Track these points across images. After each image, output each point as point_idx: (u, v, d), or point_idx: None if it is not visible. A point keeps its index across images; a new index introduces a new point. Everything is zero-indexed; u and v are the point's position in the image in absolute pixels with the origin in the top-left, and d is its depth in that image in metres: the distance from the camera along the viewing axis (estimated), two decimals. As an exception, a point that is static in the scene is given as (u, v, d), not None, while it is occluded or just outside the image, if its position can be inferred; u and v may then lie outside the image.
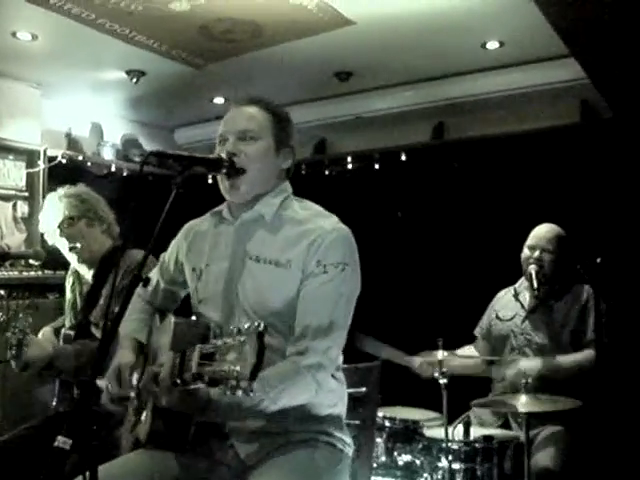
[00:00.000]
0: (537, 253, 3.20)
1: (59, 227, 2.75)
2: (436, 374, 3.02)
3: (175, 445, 1.76)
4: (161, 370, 1.61)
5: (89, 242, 2.76)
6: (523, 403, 2.69)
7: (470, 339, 3.50)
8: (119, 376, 1.82)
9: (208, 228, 2.00)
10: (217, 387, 1.34)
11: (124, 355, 1.89)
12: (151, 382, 1.63)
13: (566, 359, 3.05)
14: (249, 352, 1.27)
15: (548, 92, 4.24)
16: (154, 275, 2.12)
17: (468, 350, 3.42)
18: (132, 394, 1.87)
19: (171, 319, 1.79)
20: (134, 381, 1.86)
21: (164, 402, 1.60)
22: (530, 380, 2.76)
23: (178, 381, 1.50)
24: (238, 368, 1.27)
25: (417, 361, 3.27)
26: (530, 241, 3.27)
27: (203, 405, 1.60)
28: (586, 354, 3.04)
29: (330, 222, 1.85)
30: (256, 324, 1.29)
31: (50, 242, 2.84)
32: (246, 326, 1.30)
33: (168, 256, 2.10)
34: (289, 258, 1.79)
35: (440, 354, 3.01)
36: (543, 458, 2.80)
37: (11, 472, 2.44)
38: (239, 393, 1.27)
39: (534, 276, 3.16)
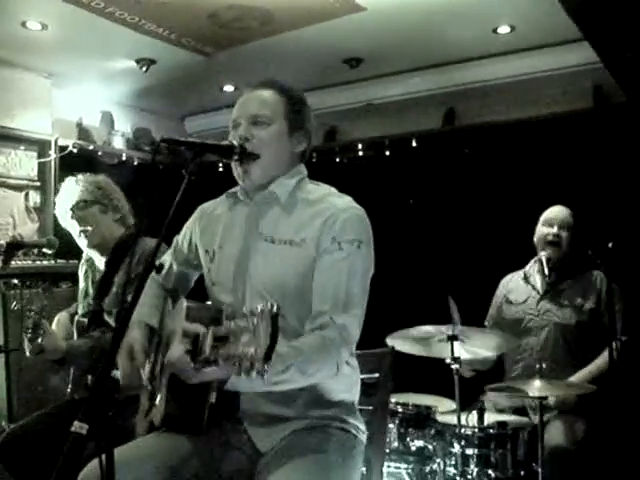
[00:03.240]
0: (555, 229, 3.20)
1: (71, 209, 2.76)
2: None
3: (190, 428, 1.77)
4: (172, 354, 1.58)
5: (100, 228, 2.77)
6: (537, 388, 2.68)
7: (481, 325, 3.49)
8: (130, 352, 1.81)
9: (222, 210, 2.00)
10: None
11: (132, 334, 1.86)
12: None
13: (580, 377, 3.03)
14: (262, 334, 1.27)
15: (560, 77, 4.20)
16: (167, 257, 2.12)
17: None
18: (145, 380, 1.88)
19: (183, 303, 1.79)
20: (147, 366, 1.87)
21: (194, 380, 1.56)
22: (545, 366, 2.76)
23: (192, 365, 1.50)
24: (252, 350, 1.27)
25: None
26: (546, 219, 3.27)
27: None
28: (598, 364, 3.04)
29: (344, 201, 1.85)
30: (269, 305, 1.28)
31: (62, 224, 2.85)
32: (259, 308, 1.30)
33: (182, 238, 2.10)
34: (303, 237, 1.79)
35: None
36: (555, 437, 2.80)
37: (27, 457, 2.46)
38: (253, 375, 1.27)
39: (544, 261, 3.17)
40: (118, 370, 1.82)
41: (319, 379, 1.75)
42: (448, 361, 2.97)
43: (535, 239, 3.30)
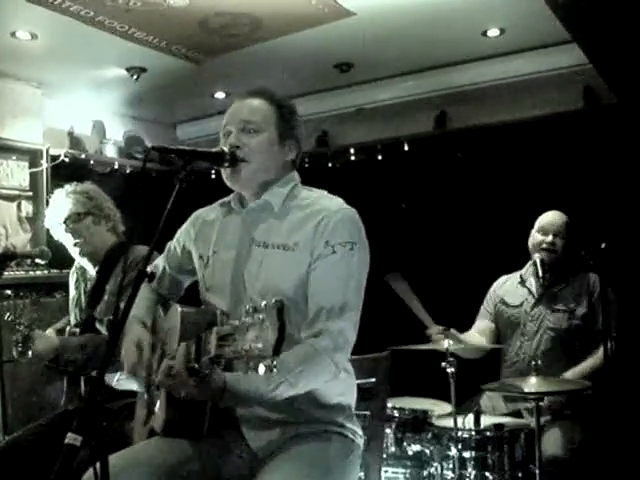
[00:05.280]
0: (550, 237, 3.20)
1: (65, 222, 2.76)
2: (445, 344, 2.97)
3: (191, 434, 1.77)
4: (175, 362, 1.58)
5: (94, 238, 2.77)
6: (533, 385, 2.68)
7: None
8: (139, 344, 1.81)
9: (216, 217, 2.01)
10: (237, 368, 1.34)
11: (139, 331, 1.86)
12: (166, 376, 1.61)
13: (574, 373, 3.03)
14: (270, 328, 1.26)
15: (550, 79, 4.21)
16: (160, 262, 2.12)
17: (471, 337, 3.41)
18: (141, 389, 1.87)
19: (177, 308, 1.79)
20: (143, 373, 1.85)
21: (183, 394, 1.58)
22: (540, 362, 2.76)
23: (195, 366, 1.50)
24: (260, 345, 1.26)
25: (433, 329, 3.18)
26: (541, 226, 3.26)
27: (220, 392, 1.58)
28: (592, 361, 3.04)
29: (335, 203, 1.86)
30: (273, 301, 1.29)
31: (55, 237, 2.84)
32: (263, 304, 1.29)
33: (174, 244, 2.10)
34: (296, 241, 1.79)
35: (447, 343, 3.00)
36: (552, 446, 2.80)
37: (21, 469, 2.45)
38: (261, 370, 1.26)
39: (539, 264, 3.16)
40: (111, 375, 1.82)
41: (315, 386, 1.75)
42: (443, 365, 2.97)
43: (530, 245, 3.29)
